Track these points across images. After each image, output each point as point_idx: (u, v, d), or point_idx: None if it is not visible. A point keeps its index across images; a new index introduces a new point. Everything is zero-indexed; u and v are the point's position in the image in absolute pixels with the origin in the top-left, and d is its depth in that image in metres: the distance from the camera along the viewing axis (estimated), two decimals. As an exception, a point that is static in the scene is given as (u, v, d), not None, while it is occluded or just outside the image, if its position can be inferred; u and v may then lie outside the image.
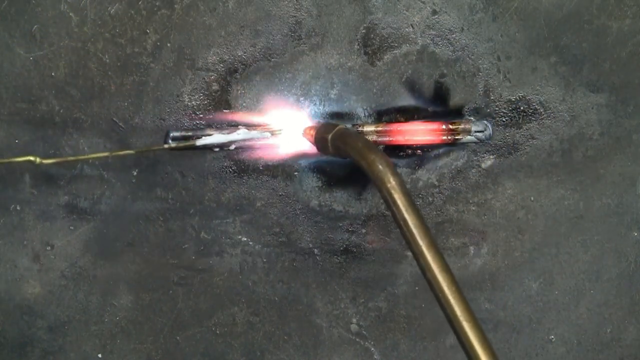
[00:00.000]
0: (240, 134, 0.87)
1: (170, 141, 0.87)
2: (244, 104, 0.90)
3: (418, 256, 0.58)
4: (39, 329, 0.95)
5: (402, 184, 0.60)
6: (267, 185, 0.93)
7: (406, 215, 0.59)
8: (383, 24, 0.90)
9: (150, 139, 0.90)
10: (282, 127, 0.88)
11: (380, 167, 0.61)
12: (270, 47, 0.89)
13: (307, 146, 0.86)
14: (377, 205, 0.94)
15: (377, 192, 0.93)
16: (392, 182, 0.60)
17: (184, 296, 0.95)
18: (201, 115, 0.90)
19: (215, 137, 0.87)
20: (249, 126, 0.89)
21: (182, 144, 0.86)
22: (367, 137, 0.89)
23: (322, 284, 0.96)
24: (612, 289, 0.99)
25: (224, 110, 0.90)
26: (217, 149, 0.89)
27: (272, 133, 0.88)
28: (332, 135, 0.73)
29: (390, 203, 0.60)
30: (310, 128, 0.82)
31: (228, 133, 0.87)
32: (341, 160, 0.94)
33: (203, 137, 0.86)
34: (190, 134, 0.88)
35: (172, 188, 0.92)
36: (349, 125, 0.89)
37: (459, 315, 0.56)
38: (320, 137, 0.77)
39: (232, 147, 0.88)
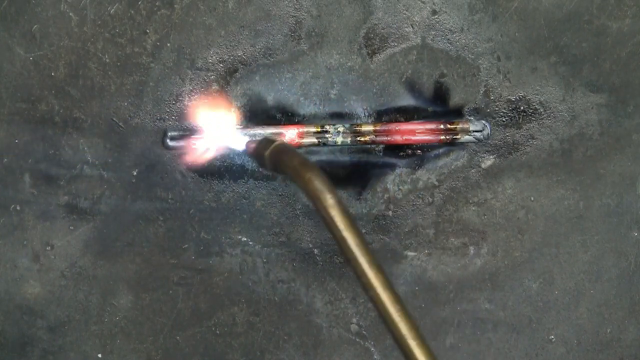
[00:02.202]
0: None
1: (168, 141, 0.88)
2: (243, 104, 0.90)
3: (360, 275, 0.56)
4: (39, 329, 0.95)
5: (340, 202, 0.58)
6: (266, 185, 0.93)
7: (345, 234, 0.57)
8: (383, 24, 0.90)
9: (150, 139, 0.90)
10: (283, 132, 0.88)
11: (317, 185, 0.58)
12: (270, 47, 0.89)
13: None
14: (377, 205, 0.94)
15: (373, 195, 0.93)
16: (329, 201, 0.57)
17: (184, 296, 0.95)
18: (201, 115, 0.90)
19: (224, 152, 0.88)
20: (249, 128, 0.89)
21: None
22: (365, 137, 0.89)
23: (322, 284, 0.96)
24: (612, 289, 0.99)
25: (224, 111, 0.90)
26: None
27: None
28: (269, 151, 0.68)
29: (328, 222, 0.58)
30: (252, 142, 0.77)
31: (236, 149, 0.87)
32: (341, 160, 0.94)
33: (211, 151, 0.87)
34: (188, 133, 0.88)
35: (172, 188, 0.92)
36: (347, 125, 0.89)
37: (405, 334, 0.55)
38: (257, 154, 0.72)
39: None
